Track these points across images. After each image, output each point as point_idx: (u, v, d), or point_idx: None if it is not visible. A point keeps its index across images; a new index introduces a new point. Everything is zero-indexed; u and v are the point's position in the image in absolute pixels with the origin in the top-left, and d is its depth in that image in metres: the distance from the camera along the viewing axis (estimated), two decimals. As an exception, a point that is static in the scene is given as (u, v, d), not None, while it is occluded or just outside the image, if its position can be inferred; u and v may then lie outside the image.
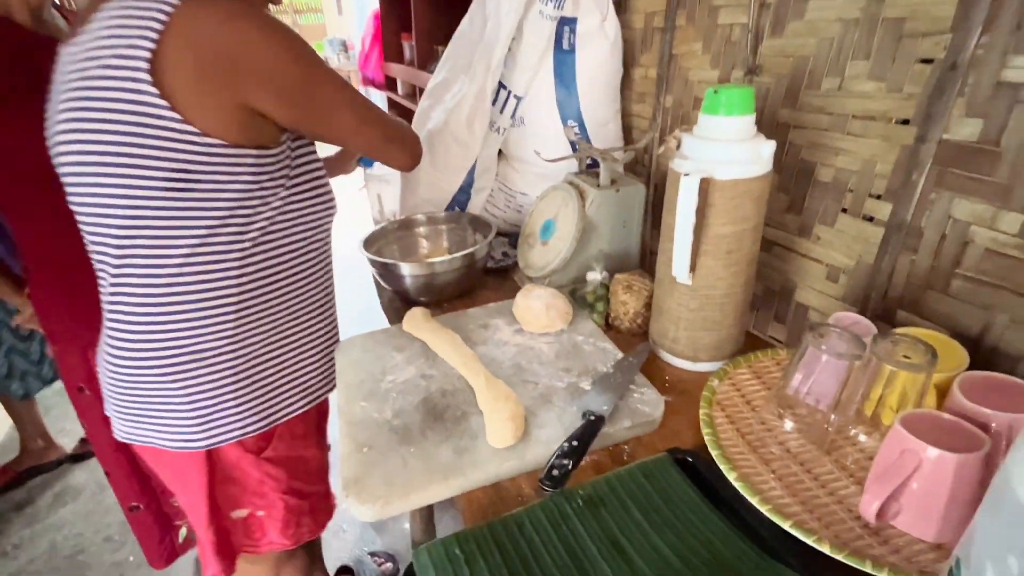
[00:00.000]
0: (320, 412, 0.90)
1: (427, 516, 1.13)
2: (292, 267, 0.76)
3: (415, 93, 2.15)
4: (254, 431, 0.77)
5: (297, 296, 0.78)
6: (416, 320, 0.85)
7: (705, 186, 0.63)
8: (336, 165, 1.03)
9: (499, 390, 0.66)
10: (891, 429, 0.51)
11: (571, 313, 0.85)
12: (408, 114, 2.27)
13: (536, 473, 0.61)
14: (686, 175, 0.63)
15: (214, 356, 0.71)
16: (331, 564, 1.34)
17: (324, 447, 0.94)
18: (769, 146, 0.64)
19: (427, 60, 1.91)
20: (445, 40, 1.20)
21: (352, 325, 0.97)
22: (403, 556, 1.44)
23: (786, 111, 0.80)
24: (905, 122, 0.65)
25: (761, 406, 0.66)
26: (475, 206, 1.18)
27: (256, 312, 0.73)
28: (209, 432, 0.74)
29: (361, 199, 1.26)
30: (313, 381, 0.84)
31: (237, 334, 0.72)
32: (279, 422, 0.80)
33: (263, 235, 0.70)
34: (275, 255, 0.73)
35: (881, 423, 0.60)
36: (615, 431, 0.64)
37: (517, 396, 0.67)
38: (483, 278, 1.08)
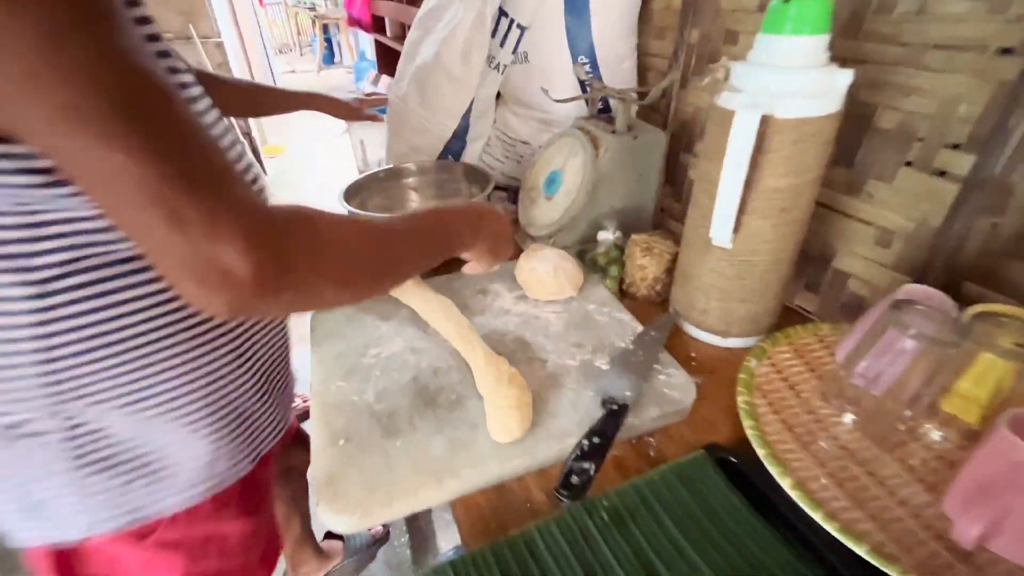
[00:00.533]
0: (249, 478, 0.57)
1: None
2: (135, 310, 0.41)
3: (404, 33, 1.92)
4: (109, 529, 0.48)
5: (157, 354, 0.43)
6: (404, 283, 0.71)
7: (763, 126, 0.49)
8: None
9: (502, 371, 0.54)
10: (996, 433, 0.40)
11: (581, 278, 0.72)
12: (398, 57, 2.01)
13: (547, 472, 0.49)
14: (741, 112, 0.48)
15: (29, 439, 0.43)
16: (318, 528, 1.26)
17: (261, 508, 0.62)
18: (845, 75, 0.49)
19: (417, -5, 1.68)
20: (437, -36, 1.00)
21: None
22: (395, 521, 1.36)
23: (844, 43, 0.64)
24: (1007, 51, 0.50)
25: (810, 391, 0.54)
26: (471, 155, 1.02)
27: (80, 379, 0.41)
28: (39, 529, 0.48)
29: (343, 146, 1.09)
30: (215, 465, 0.51)
31: (53, 408, 0.42)
32: (154, 518, 0.50)
33: (66, 272, 0.38)
34: (99, 298, 0.40)
35: (958, 418, 0.48)
36: (640, 421, 0.52)
37: (523, 379, 0.54)
38: (479, 236, 0.94)
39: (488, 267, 0.58)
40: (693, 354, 0.65)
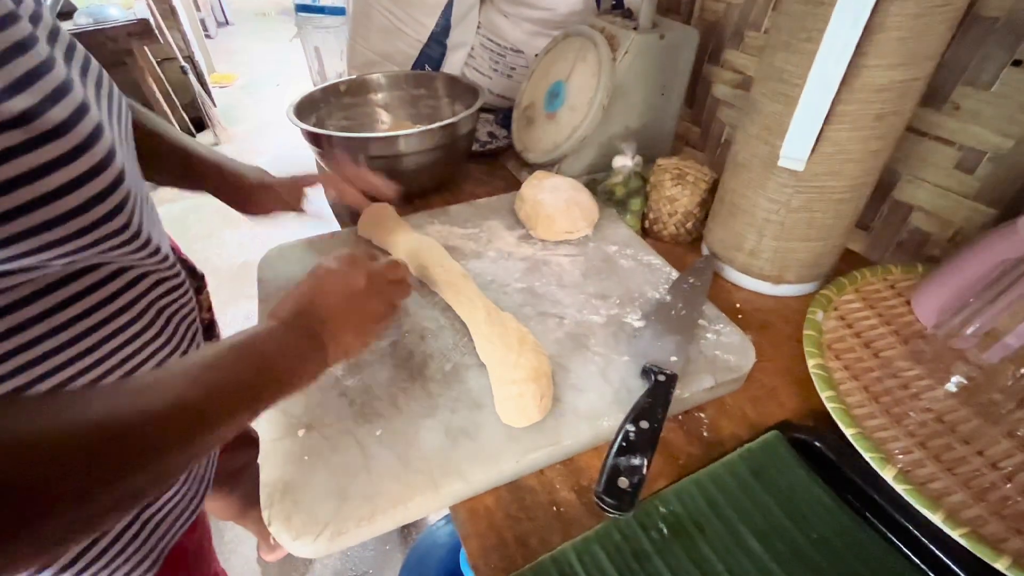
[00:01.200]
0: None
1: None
2: None
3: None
4: None
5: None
6: (377, 220, 0.56)
7: (879, -7, 0.35)
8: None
9: (509, 331, 0.41)
10: None
11: (597, 213, 0.59)
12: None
13: (577, 464, 0.38)
14: (856, -35, 0.34)
15: None
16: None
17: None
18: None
19: None
20: None
21: (284, 231, 0.67)
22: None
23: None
24: None
25: (890, 353, 0.44)
26: (451, 65, 0.85)
27: None
28: None
29: (294, 53, 0.89)
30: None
31: None
32: None
33: None
34: None
35: (1088, 383, 0.39)
36: (689, 394, 0.41)
37: (537, 342, 0.42)
38: (465, 166, 0.78)
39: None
40: (738, 305, 0.53)
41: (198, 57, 2.89)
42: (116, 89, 0.37)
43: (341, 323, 0.34)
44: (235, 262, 1.85)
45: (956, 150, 0.54)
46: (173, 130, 0.48)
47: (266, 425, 0.38)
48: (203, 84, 2.75)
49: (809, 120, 0.40)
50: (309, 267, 0.37)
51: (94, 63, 0.35)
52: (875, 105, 0.40)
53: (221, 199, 0.50)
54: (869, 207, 0.62)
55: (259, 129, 2.84)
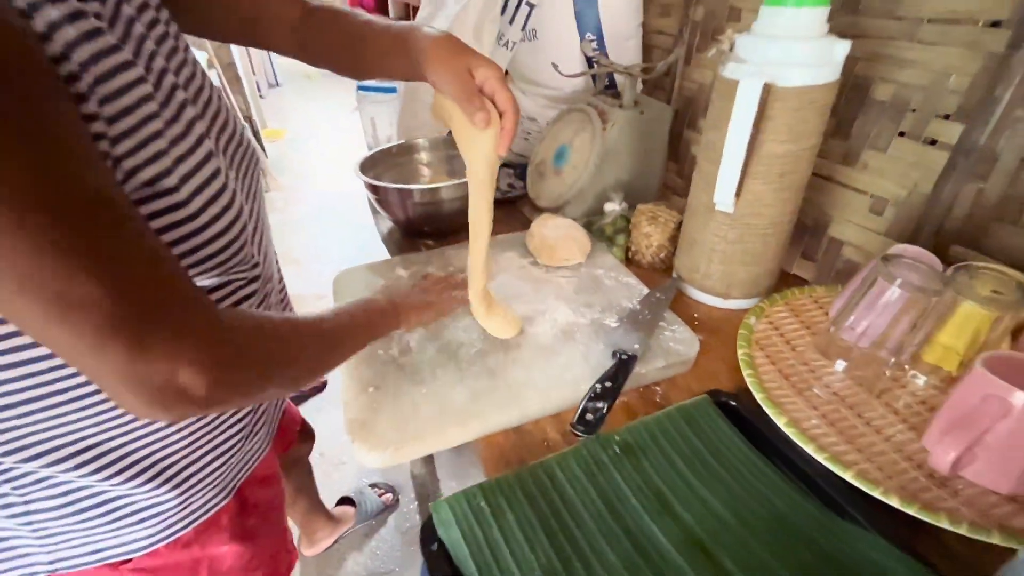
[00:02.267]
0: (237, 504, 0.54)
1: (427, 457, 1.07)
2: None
3: (408, 15, 1.93)
4: (75, 568, 0.45)
5: (105, 411, 0.39)
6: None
7: (765, 94, 0.52)
8: None
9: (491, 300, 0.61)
10: (971, 372, 0.44)
11: (589, 245, 0.76)
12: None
13: (562, 416, 0.54)
14: (745, 81, 0.52)
15: None
16: (331, 495, 1.31)
17: (260, 532, 0.57)
18: (843, 46, 0.52)
19: (422, -25, 1.68)
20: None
21: (348, 262, 0.86)
22: (403, 487, 1.41)
23: (843, 18, 0.67)
24: (996, 24, 0.54)
25: (805, 346, 0.59)
26: (479, 132, 1.05)
27: (18, 430, 0.37)
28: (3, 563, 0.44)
29: (353, 123, 1.12)
30: (185, 506, 0.47)
31: None
32: (125, 556, 0.46)
33: None
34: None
35: (940, 368, 0.53)
36: (647, 371, 0.56)
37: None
38: (489, 210, 0.97)
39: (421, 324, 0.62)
40: (696, 315, 0.69)
41: (254, 115, 3.27)
42: (240, 132, 0.48)
43: (410, 304, 0.58)
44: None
45: (869, 198, 0.70)
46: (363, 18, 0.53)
47: (346, 386, 0.55)
48: (258, 139, 3.10)
49: (729, 177, 0.57)
50: (373, 282, 0.56)
51: (222, 111, 0.45)
52: (776, 166, 0.57)
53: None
54: (813, 243, 0.78)
55: (304, 178, 3.17)
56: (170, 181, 0.35)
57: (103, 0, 0.33)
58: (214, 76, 2.71)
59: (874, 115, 0.67)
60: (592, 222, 0.84)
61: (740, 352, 0.57)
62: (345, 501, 1.34)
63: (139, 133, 0.33)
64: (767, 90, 0.52)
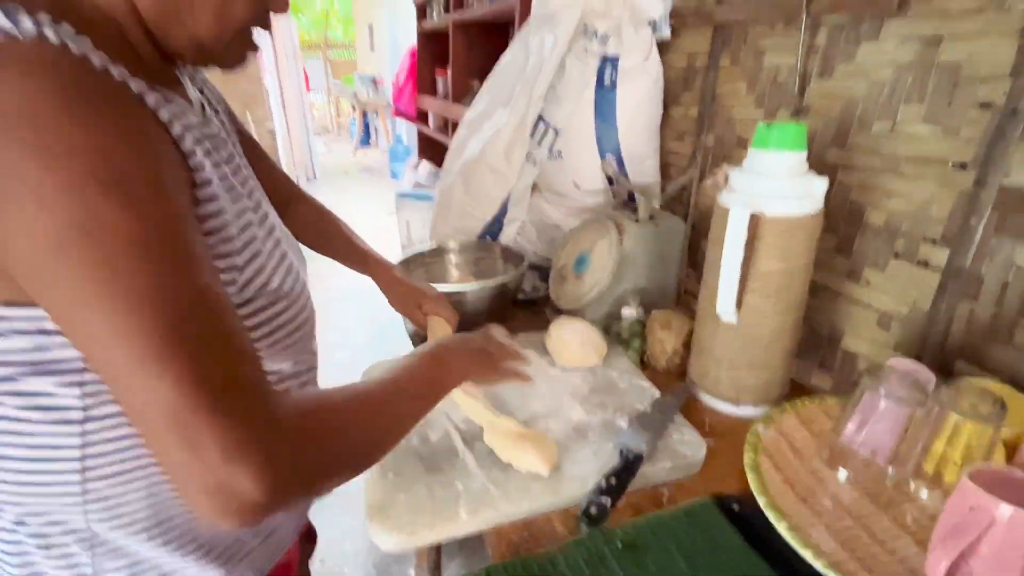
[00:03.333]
0: None
1: (435, 560, 1.10)
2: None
3: (446, 127, 2.24)
4: None
5: None
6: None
7: (754, 221, 0.64)
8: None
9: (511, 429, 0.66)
10: (959, 484, 0.50)
11: (605, 348, 0.85)
12: (440, 147, 2.36)
13: (571, 511, 0.60)
14: (735, 209, 0.64)
15: (47, 549, 0.46)
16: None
17: None
18: (821, 183, 0.65)
19: (461, 94, 1.99)
20: (480, 75, 1.26)
21: (372, 351, 0.98)
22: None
23: (834, 151, 0.81)
24: (963, 166, 0.66)
25: (811, 455, 0.65)
26: (506, 236, 1.21)
27: (108, 500, 0.44)
28: None
29: (390, 224, 1.30)
30: None
31: (77, 520, 0.45)
32: None
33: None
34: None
35: (943, 480, 0.58)
36: (654, 471, 0.63)
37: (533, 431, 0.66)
38: (513, 309, 1.09)
39: (482, 386, 0.67)
40: (707, 420, 0.76)
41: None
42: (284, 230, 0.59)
43: (468, 366, 0.58)
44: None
45: (875, 313, 0.79)
46: (342, 222, 0.81)
47: (368, 471, 0.64)
48: (293, 231, 3.41)
49: (728, 291, 0.67)
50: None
51: (271, 210, 0.55)
52: (772, 283, 0.68)
53: (379, 285, 0.83)
54: (829, 354, 0.86)
55: (336, 267, 3.41)
56: (274, 281, 0.48)
57: (208, 121, 0.48)
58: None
59: (870, 237, 0.78)
60: (609, 325, 0.95)
61: (746, 458, 0.63)
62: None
63: (252, 245, 0.46)
64: (755, 218, 0.64)
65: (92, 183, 0.31)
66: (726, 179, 0.70)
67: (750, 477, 0.60)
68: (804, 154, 0.66)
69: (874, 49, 0.74)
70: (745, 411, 0.76)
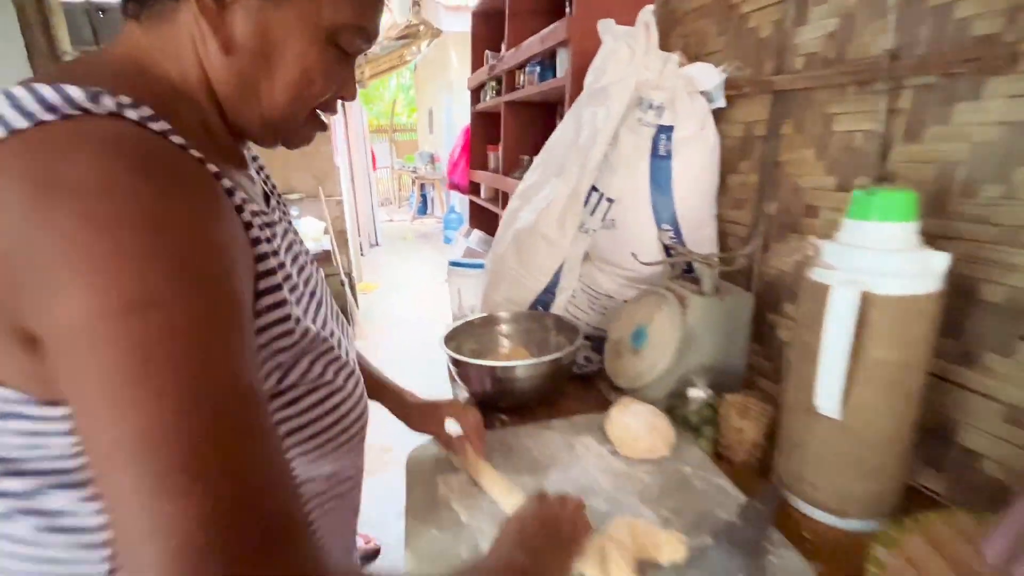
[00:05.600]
0: None
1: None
2: None
3: (497, 197, 2.20)
4: None
5: None
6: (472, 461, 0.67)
7: (863, 301, 0.50)
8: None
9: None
10: None
11: (674, 437, 0.71)
12: (490, 216, 2.34)
13: (652, 665, 0.45)
14: (839, 289, 0.51)
15: None
16: None
17: None
18: (942, 258, 0.51)
19: (512, 168, 1.95)
20: (530, 151, 1.20)
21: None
22: None
23: (931, 221, 0.67)
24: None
25: (958, 598, 0.47)
26: (558, 306, 1.10)
27: None
28: None
29: (442, 292, 1.22)
30: None
31: None
32: None
33: None
34: None
35: None
36: (755, 613, 0.47)
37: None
38: (565, 383, 0.96)
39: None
40: (806, 534, 0.59)
41: (354, 271, 3.68)
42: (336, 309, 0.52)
43: (550, 549, 0.45)
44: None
45: (1001, 406, 0.61)
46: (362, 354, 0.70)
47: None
48: (353, 292, 3.43)
49: (831, 382, 0.53)
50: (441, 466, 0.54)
51: (325, 287, 0.50)
52: (885, 374, 0.53)
53: (394, 413, 0.71)
54: (939, 450, 0.68)
55: (388, 328, 3.38)
56: (328, 374, 0.41)
57: (273, 209, 0.42)
58: (327, 241, 3.14)
59: (989, 317, 0.62)
60: (674, 406, 0.80)
61: (872, 598, 0.47)
62: None
63: (308, 334, 0.39)
64: (864, 297, 0.51)
65: (164, 255, 0.26)
66: (816, 251, 0.57)
67: (884, 630, 0.44)
68: (915, 225, 0.53)
69: (975, 108, 0.62)
70: (853, 525, 0.59)
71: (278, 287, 0.37)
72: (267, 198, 0.48)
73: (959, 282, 0.65)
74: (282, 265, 0.39)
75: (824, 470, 0.58)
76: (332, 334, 0.45)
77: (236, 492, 0.25)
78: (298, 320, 0.38)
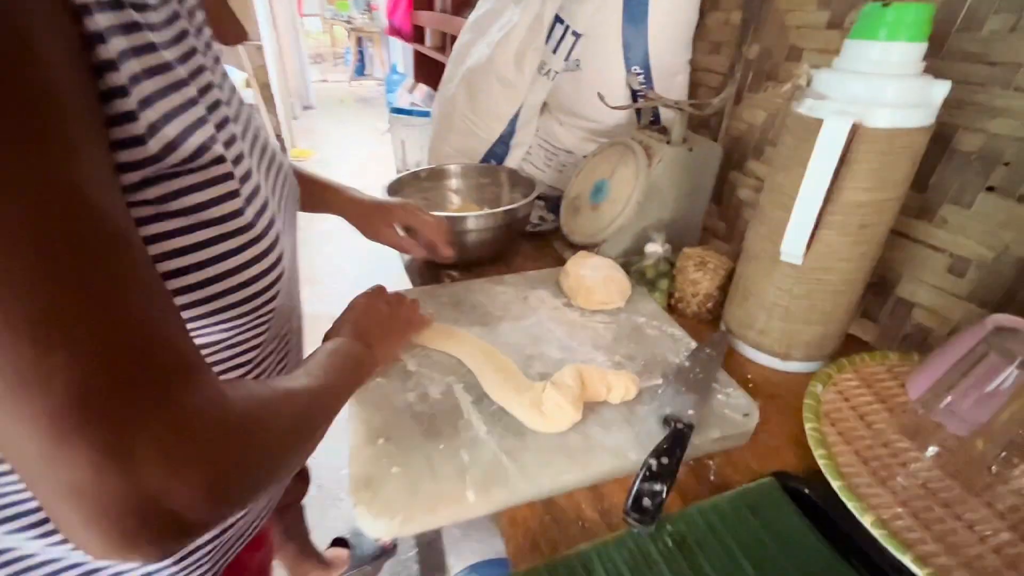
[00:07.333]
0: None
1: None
2: None
3: (444, 44, 1.94)
4: None
5: None
6: (434, 334, 0.61)
7: (851, 136, 0.46)
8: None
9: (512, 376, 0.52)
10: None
11: (630, 289, 0.69)
12: (437, 67, 2.04)
13: (600, 490, 0.46)
14: (831, 119, 0.45)
15: None
16: (325, 534, 1.22)
17: None
18: (942, 87, 0.46)
19: (463, 6, 1.69)
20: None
21: (366, 280, 0.80)
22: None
23: (927, 61, 0.61)
24: (1115, 73, 0.47)
25: (883, 423, 0.50)
26: (512, 161, 1.01)
27: None
28: None
29: (383, 144, 1.08)
30: None
31: None
32: None
33: None
34: None
35: (1056, 463, 0.44)
36: (700, 442, 0.48)
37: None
38: (518, 242, 0.92)
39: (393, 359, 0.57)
40: (749, 376, 0.61)
41: (284, 135, 3.32)
42: (280, 158, 0.44)
43: (379, 340, 0.50)
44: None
45: (948, 257, 0.62)
46: (302, 166, 0.61)
47: (354, 433, 0.48)
48: (287, 158, 3.12)
49: (801, 227, 0.50)
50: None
51: (262, 135, 0.41)
52: (856, 217, 0.50)
53: (348, 221, 0.66)
54: (875, 302, 0.71)
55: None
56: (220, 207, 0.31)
57: (157, 8, 0.29)
58: (250, 96, 2.75)
59: (957, 167, 0.60)
60: (631, 263, 0.78)
61: (808, 427, 0.49)
62: (339, 542, 1.24)
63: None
64: (853, 131, 0.46)
65: None
66: (808, 81, 0.51)
67: (817, 453, 0.46)
68: (924, 47, 0.47)
69: (1002, -80, 0.53)
70: (795, 367, 0.61)
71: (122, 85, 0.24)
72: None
73: (937, 130, 0.62)
74: (145, 48, 0.26)
75: (776, 316, 0.59)
76: (239, 159, 0.34)
77: (115, 336, 0.21)
78: (153, 127, 0.26)
